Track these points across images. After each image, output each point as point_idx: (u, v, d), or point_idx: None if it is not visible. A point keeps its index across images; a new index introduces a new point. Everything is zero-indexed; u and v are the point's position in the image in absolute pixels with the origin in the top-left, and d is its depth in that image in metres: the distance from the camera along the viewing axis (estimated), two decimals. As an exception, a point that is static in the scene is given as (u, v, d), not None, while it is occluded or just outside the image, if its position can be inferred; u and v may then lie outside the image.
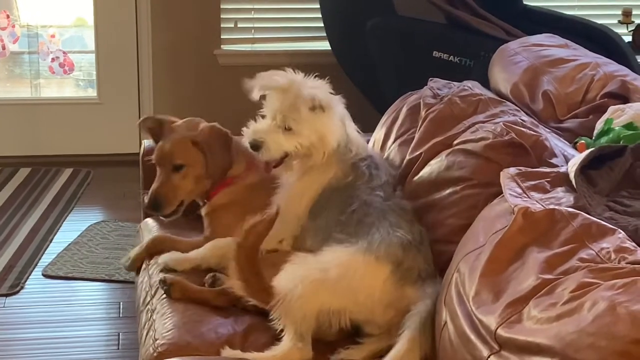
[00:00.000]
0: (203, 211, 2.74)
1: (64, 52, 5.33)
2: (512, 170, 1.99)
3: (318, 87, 2.44)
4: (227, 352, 2.14)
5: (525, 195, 1.86)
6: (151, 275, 2.60)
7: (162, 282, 2.41)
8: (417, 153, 2.50)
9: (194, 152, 2.66)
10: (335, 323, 2.12)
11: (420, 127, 2.57)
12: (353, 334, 2.17)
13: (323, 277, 2.11)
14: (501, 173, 2.00)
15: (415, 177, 2.45)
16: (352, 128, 2.50)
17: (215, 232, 2.64)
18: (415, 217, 2.32)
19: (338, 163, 2.42)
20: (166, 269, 2.53)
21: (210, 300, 2.35)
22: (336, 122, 2.42)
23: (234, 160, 2.69)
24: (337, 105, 2.45)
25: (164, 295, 2.44)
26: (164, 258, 2.57)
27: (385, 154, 2.69)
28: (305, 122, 2.38)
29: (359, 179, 2.39)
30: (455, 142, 2.39)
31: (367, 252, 2.14)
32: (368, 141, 2.83)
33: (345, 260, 2.14)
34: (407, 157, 2.54)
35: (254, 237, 2.14)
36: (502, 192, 1.94)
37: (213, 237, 2.61)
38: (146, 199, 2.70)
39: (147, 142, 3.22)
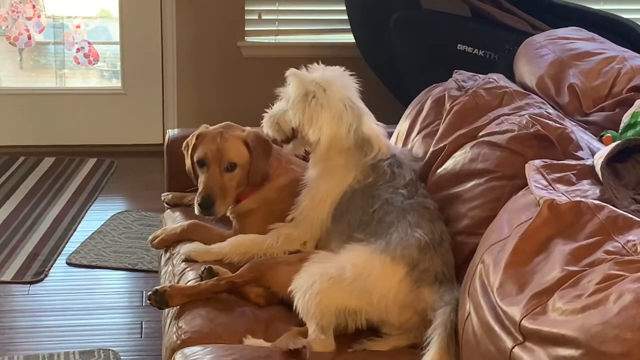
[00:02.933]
0: (230, 213, 2.69)
1: (89, 43, 5.36)
2: (538, 162, 1.98)
3: (346, 88, 2.49)
4: (249, 341, 2.15)
5: (551, 188, 1.85)
6: (175, 264, 2.61)
7: (154, 294, 2.33)
8: (441, 145, 2.49)
9: (245, 153, 2.61)
10: (351, 323, 2.13)
11: (444, 119, 2.57)
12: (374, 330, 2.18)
13: (339, 276, 2.12)
14: (526, 165, 1.99)
15: (439, 169, 2.45)
16: (372, 127, 2.49)
17: (245, 232, 2.61)
18: (439, 216, 2.30)
19: (357, 166, 2.42)
20: (188, 260, 2.54)
21: (208, 290, 2.33)
22: (329, 120, 2.43)
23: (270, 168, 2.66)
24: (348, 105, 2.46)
25: (189, 284, 2.43)
26: (186, 249, 2.57)
27: (409, 146, 2.69)
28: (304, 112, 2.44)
29: (380, 179, 2.38)
30: (480, 134, 2.38)
31: (383, 252, 2.14)
32: (391, 134, 2.82)
33: (362, 260, 2.14)
34: (431, 149, 2.53)
35: None
36: (526, 185, 1.93)
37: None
38: (197, 199, 2.58)
39: (172, 132, 3.24)
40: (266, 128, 2.54)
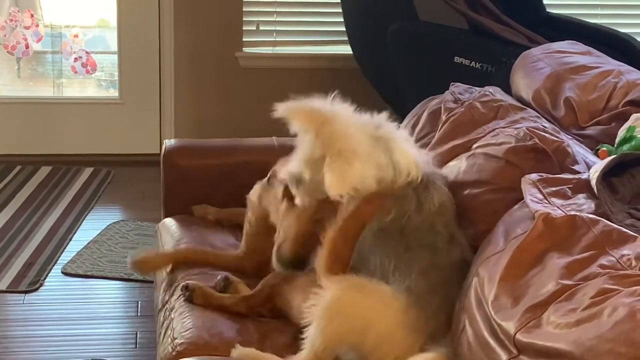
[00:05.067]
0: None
1: (86, 52, 5.36)
2: (534, 176, 1.99)
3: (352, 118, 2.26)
4: (239, 349, 2.13)
5: (547, 201, 1.86)
6: (169, 275, 2.62)
7: (185, 287, 2.41)
8: (435, 153, 2.49)
9: None
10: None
11: (440, 129, 2.57)
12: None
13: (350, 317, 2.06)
14: (522, 179, 2.00)
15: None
16: (401, 148, 2.24)
17: (250, 252, 2.58)
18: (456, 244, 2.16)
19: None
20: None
21: (230, 307, 2.35)
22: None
23: None
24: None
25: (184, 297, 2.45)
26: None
27: (433, 159, 2.60)
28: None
29: (403, 215, 2.16)
30: (475, 145, 2.38)
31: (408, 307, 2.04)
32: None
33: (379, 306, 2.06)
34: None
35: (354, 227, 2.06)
36: (522, 198, 1.94)
37: (247, 256, 2.57)
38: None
39: (169, 143, 3.24)
40: (300, 201, 2.27)
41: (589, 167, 2.14)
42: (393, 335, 2.03)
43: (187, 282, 2.43)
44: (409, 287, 2.05)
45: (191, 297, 2.39)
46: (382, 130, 2.27)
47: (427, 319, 2.03)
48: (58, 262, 3.84)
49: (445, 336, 2.01)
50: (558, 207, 1.81)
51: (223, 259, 2.61)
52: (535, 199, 1.87)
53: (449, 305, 2.04)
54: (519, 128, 2.32)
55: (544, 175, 1.99)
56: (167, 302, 2.50)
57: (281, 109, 2.23)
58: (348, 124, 2.22)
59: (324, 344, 2.04)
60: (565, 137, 2.32)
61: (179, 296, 2.44)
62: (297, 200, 2.27)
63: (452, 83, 2.84)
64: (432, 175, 2.27)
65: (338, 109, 2.25)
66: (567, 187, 1.93)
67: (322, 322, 2.05)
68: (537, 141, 2.19)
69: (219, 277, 2.46)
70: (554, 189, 1.92)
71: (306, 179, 2.23)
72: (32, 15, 5.29)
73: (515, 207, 1.97)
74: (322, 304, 2.06)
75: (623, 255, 1.59)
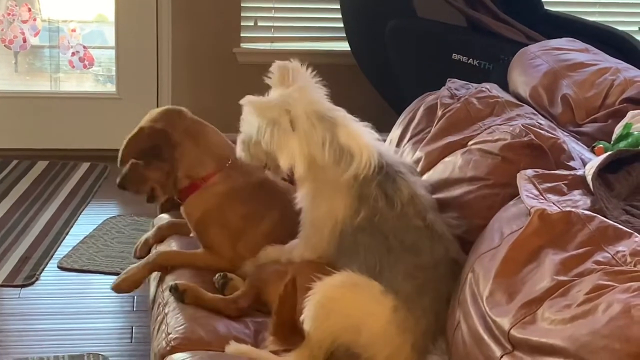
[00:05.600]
0: (182, 211, 2.68)
1: (84, 47, 5.35)
2: (529, 172, 1.99)
3: (311, 102, 2.28)
4: (233, 345, 2.13)
5: (542, 197, 1.85)
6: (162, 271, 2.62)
7: (174, 289, 2.38)
8: (430, 149, 2.49)
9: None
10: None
11: (435, 125, 2.57)
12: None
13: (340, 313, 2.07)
14: (518, 175, 2.00)
15: (427, 173, 2.44)
16: (350, 134, 2.25)
17: (208, 249, 2.60)
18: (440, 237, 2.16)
19: (342, 189, 2.22)
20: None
21: (222, 310, 2.34)
22: (299, 144, 2.22)
23: (185, 159, 2.60)
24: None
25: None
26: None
27: (399, 153, 2.66)
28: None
29: (374, 213, 2.18)
30: (471, 142, 2.38)
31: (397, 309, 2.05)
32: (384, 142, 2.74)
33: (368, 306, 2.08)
34: (419, 153, 2.53)
35: (287, 313, 2.06)
36: (518, 194, 1.94)
37: (209, 253, 2.59)
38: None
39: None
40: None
41: (584, 164, 2.14)
42: (384, 334, 2.04)
43: (176, 282, 2.40)
44: (396, 290, 2.06)
45: (182, 297, 2.36)
46: (333, 114, 2.27)
47: (416, 319, 2.04)
48: (54, 256, 3.83)
49: (439, 335, 2.02)
50: (554, 203, 1.81)
51: (198, 259, 2.61)
52: (531, 195, 1.86)
53: (440, 304, 2.05)
54: (515, 125, 2.31)
55: (540, 171, 1.99)
56: (160, 297, 2.49)
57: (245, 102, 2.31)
58: (296, 100, 2.25)
59: (318, 343, 2.04)
60: (561, 134, 2.32)
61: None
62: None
63: (448, 79, 2.83)
64: (396, 166, 2.26)
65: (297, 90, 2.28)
66: (563, 184, 1.92)
67: (316, 321, 2.05)
68: (533, 137, 2.19)
69: (217, 275, 2.45)
70: (549, 184, 1.92)
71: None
72: (29, 10, 5.28)
73: (511, 203, 1.97)
74: (316, 302, 2.06)
75: (618, 252, 1.59)
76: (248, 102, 2.29)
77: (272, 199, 2.59)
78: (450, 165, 2.35)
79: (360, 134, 2.27)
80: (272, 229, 2.53)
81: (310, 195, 2.31)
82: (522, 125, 2.26)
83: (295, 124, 2.22)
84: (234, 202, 2.58)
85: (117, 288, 2.69)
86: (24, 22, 5.28)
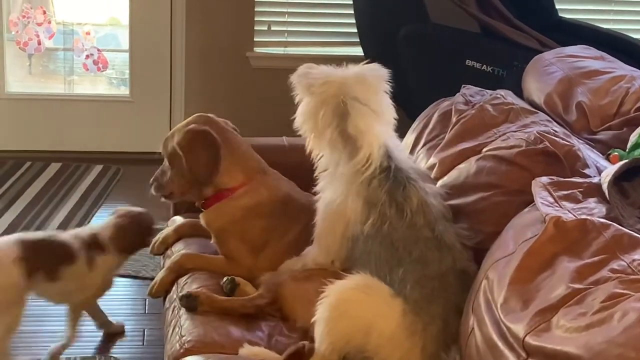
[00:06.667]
0: (202, 218, 2.69)
1: (98, 50, 5.37)
2: (544, 179, 1.98)
3: (359, 83, 2.35)
4: (246, 349, 2.13)
5: (557, 205, 1.85)
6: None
7: (186, 297, 2.36)
8: (444, 155, 2.48)
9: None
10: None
11: (450, 131, 2.57)
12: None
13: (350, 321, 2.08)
14: (533, 182, 1.99)
15: (442, 180, 2.44)
16: (359, 126, 2.26)
17: (228, 258, 2.61)
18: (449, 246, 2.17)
19: (351, 190, 2.25)
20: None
21: (239, 309, 2.34)
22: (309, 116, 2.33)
23: (220, 168, 2.60)
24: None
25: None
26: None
27: (414, 159, 2.66)
28: None
29: (384, 221, 2.19)
30: (485, 149, 2.38)
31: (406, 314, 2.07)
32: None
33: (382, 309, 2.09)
34: (433, 159, 2.53)
35: None
36: (533, 201, 1.93)
37: (228, 262, 2.60)
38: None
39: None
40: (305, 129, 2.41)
41: (599, 172, 2.14)
42: (394, 337, 2.05)
43: (188, 290, 2.39)
44: (404, 296, 2.08)
45: (195, 305, 2.35)
46: (354, 104, 2.30)
47: (424, 324, 2.05)
48: (66, 258, 3.83)
49: (451, 343, 2.02)
50: (569, 211, 1.81)
51: (218, 265, 2.61)
52: (546, 202, 1.86)
53: (449, 312, 2.06)
54: (530, 132, 2.31)
55: (555, 178, 1.99)
56: (175, 300, 2.50)
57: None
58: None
59: (331, 346, 2.04)
60: (576, 142, 2.32)
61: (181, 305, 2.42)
62: None
63: (463, 85, 2.83)
64: (407, 172, 2.26)
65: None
66: (578, 191, 1.92)
67: (328, 324, 2.05)
68: (548, 144, 2.19)
69: (224, 280, 2.45)
70: (564, 192, 1.91)
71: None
72: (44, 12, 5.30)
73: (525, 210, 1.97)
74: (329, 304, 2.07)
75: (634, 260, 1.58)
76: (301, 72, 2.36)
77: (296, 215, 2.59)
78: (465, 172, 2.35)
79: (371, 126, 2.28)
80: (295, 244, 2.53)
81: (325, 189, 2.35)
82: (537, 132, 2.26)
83: (320, 96, 2.29)
84: (257, 217, 2.59)
85: (153, 294, 2.70)
86: (39, 24, 5.30)
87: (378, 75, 2.38)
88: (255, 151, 2.74)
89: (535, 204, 1.90)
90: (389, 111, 2.37)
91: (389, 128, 2.35)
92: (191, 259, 2.65)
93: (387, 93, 2.38)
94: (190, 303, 2.35)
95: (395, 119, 2.39)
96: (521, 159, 2.21)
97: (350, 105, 2.27)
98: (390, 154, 2.27)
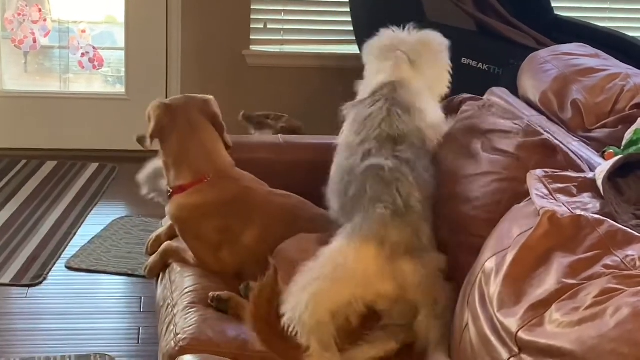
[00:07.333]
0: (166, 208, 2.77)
1: (94, 48, 5.36)
2: (539, 172, 1.98)
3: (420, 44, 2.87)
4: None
5: (552, 197, 1.85)
6: (170, 272, 2.63)
7: (217, 299, 2.37)
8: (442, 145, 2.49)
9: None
10: (352, 316, 2.12)
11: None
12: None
13: (321, 275, 2.12)
14: (528, 174, 2.00)
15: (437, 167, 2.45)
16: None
17: (193, 254, 2.68)
18: (398, 177, 2.29)
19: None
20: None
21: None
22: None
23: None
24: None
25: (186, 291, 2.44)
26: None
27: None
28: None
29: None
30: (484, 139, 2.38)
31: (351, 238, 2.18)
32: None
33: (335, 252, 2.17)
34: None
35: (265, 304, 2.11)
36: (528, 192, 1.93)
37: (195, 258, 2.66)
38: None
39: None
40: None
41: (593, 170, 2.13)
42: (370, 265, 2.15)
43: (219, 293, 2.40)
44: (353, 226, 2.20)
45: (225, 308, 2.35)
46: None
47: (381, 238, 2.16)
48: (62, 256, 3.84)
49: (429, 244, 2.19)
50: (563, 204, 1.81)
51: (190, 260, 2.68)
52: (541, 194, 1.86)
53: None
54: (529, 124, 2.32)
55: (550, 171, 1.99)
56: (169, 298, 2.50)
57: None
58: None
59: (318, 326, 2.08)
60: (571, 139, 2.32)
61: (182, 292, 2.43)
62: None
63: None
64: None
65: None
66: (573, 185, 1.92)
67: (308, 305, 2.09)
68: (546, 136, 2.19)
69: (241, 285, 2.45)
70: (559, 185, 1.91)
71: None
72: (40, 10, 5.30)
73: (522, 204, 1.97)
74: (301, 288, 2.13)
75: (627, 256, 1.59)
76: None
77: (250, 214, 2.62)
78: (461, 160, 2.35)
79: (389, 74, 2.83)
80: (255, 243, 2.56)
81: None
82: (536, 124, 2.26)
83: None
84: (204, 217, 2.63)
85: (147, 276, 2.86)
86: (34, 22, 5.29)
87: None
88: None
89: (530, 198, 1.90)
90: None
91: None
92: (170, 251, 2.76)
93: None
94: (222, 306, 2.36)
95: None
96: (518, 150, 2.24)
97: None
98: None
